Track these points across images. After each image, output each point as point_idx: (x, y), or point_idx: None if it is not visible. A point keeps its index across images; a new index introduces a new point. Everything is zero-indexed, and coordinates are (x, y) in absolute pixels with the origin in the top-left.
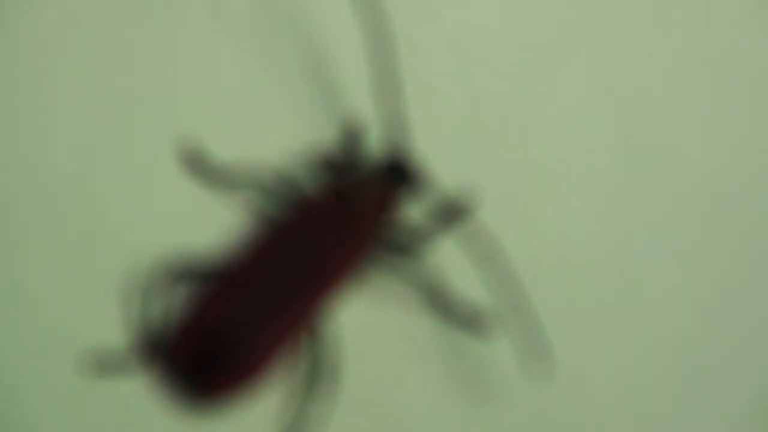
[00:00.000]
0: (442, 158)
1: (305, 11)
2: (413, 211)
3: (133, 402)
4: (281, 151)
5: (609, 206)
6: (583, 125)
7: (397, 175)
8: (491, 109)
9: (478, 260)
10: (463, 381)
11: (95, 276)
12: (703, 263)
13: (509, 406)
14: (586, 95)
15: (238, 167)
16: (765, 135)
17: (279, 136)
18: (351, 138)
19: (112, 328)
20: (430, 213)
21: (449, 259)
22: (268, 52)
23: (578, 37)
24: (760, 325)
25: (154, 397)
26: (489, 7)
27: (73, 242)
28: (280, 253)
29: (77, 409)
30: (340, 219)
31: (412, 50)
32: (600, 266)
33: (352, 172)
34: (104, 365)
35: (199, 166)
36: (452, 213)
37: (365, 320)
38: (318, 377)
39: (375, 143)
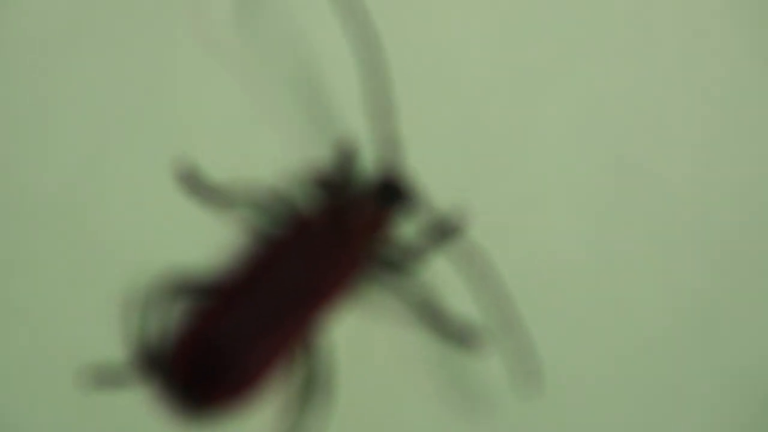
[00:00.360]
0: (434, 177)
1: (298, 33)
2: (406, 229)
3: (132, 414)
4: (275, 171)
5: (600, 224)
6: (574, 144)
7: (390, 193)
8: (483, 129)
9: (470, 277)
10: (454, 396)
11: (93, 292)
12: (693, 282)
13: (500, 420)
14: (576, 115)
15: (234, 186)
16: (753, 153)
17: (273, 156)
18: (344, 157)
19: (110, 342)
20: (422, 231)
21: (442, 276)
22: (261, 74)
23: (569, 58)
24: (751, 341)
25: (153, 410)
26: (481, 28)
27: (70, 259)
28: (275, 270)
29: (77, 422)
30: (333, 237)
31: (403, 71)
32: (590, 283)
33: (345, 191)
34: (103, 379)
35: (196, 184)
36: (444, 231)
37: (358, 335)
38: (312, 391)
39: (368, 162)
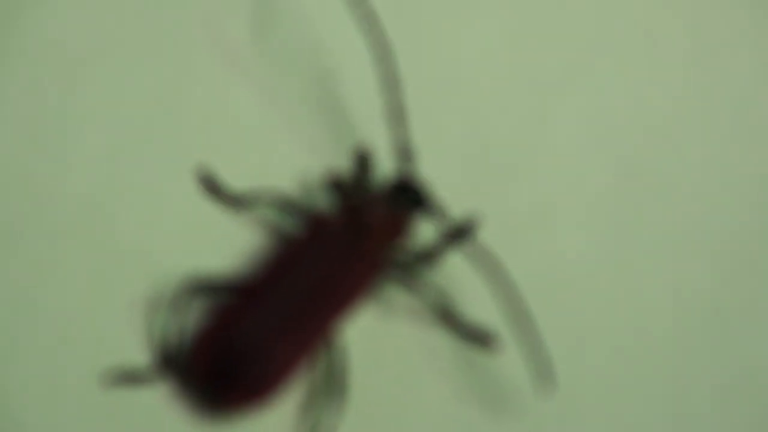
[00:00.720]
0: (447, 185)
1: (314, 43)
2: (422, 233)
3: (154, 413)
4: (294, 178)
5: (608, 230)
6: (584, 151)
7: (405, 196)
8: (494, 138)
9: (483, 278)
10: (468, 395)
11: (116, 295)
12: (700, 284)
13: (514, 419)
14: (586, 123)
15: (253, 191)
16: (761, 162)
17: (291, 164)
18: (361, 163)
19: (133, 343)
20: (436, 235)
21: (456, 277)
22: (278, 84)
23: (579, 67)
24: (757, 341)
25: (174, 408)
26: (492, 39)
27: (94, 264)
28: (294, 271)
29: (101, 421)
30: (352, 238)
31: (417, 81)
32: (599, 287)
33: (362, 194)
34: (125, 378)
35: (216, 189)
36: (457, 235)
37: (375, 335)
38: (328, 390)
39: (384, 170)
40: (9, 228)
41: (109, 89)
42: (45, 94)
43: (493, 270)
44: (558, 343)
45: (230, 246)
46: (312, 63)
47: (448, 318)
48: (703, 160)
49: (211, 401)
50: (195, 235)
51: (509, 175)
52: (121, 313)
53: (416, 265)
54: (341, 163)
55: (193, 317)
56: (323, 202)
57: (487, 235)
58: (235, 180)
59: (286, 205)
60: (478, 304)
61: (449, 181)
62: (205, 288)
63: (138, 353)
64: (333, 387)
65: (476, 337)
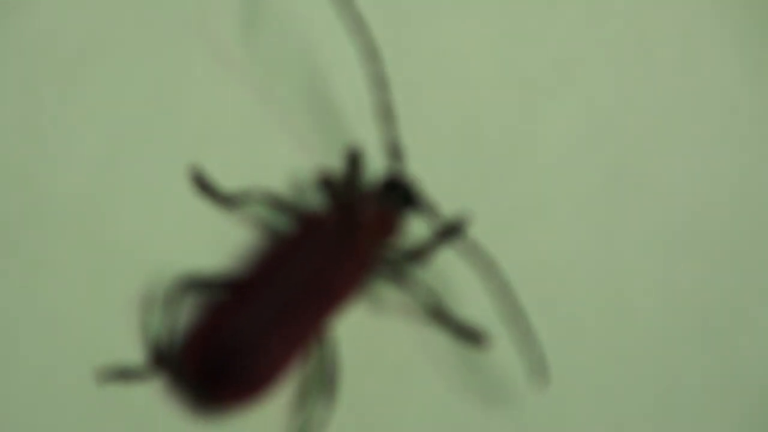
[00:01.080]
0: (437, 185)
1: (304, 45)
2: (413, 231)
3: (148, 408)
4: (285, 178)
5: (599, 229)
6: (574, 151)
7: (396, 194)
8: (484, 138)
9: (477, 275)
10: (460, 390)
11: (109, 291)
12: (690, 284)
13: (506, 414)
14: (577, 123)
15: (245, 189)
16: (750, 162)
17: (283, 163)
18: (352, 162)
19: (127, 340)
20: (428, 232)
21: (448, 274)
22: (268, 85)
23: (570, 67)
24: (744, 342)
25: (167, 404)
26: (483, 39)
27: (89, 262)
28: (286, 268)
29: (95, 416)
30: (343, 235)
31: (407, 80)
32: (590, 286)
33: (353, 193)
34: (119, 375)
35: (207, 187)
36: (448, 232)
37: (365, 330)
38: (320, 386)
39: (375, 168)
40: (4, 226)
41: (103, 90)
42: (40, 94)
43: (485, 266)
44: (547, 340)
45: (223, 244)
46: (303, 63)
47: (439, 315)
48: (693, 160)
49: (203, 397)
50: (188, 233)
51: (499, 174)
52: (115, 310)
53: (407, 263)
54: (332, 161)
55: (186, 314)
56: (314, 200)
57: (477, 232)
58: (227, 179)
59: (277, 204)
60: (471, 300)
61: (440, 180)
62: (198, 285)
63: (132, 350)
64: (324, 383)
65: (467, 334)
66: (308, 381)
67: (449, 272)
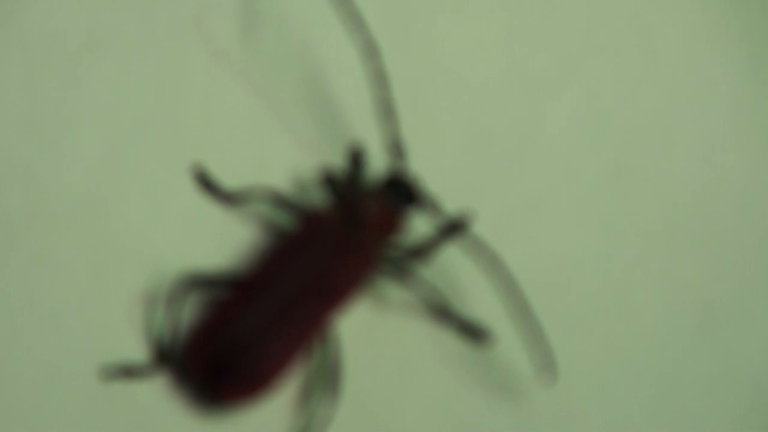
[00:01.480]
0: (440, 181)
1: (303, 42)
2: (415, 227)
3: (150, 406)
4: (287, 176)
5: (601, 225)
6: (577, 147)
7: (398, 191)
8: (486, 134)
9: (482, 271)
10: (463, 387)
11: (112, 289)
12: (692, 279)
13: (510, 410)
14: (579, 118)
15: (247, 187)
16: (752, 156)
17: (284, 161)
18: (355, 160)
19: (130, 337)
20: (430, 229)
21: (452, 271)
22: (269, 83)
23: (572, 63)
24: (747, 336)
25: (170, 402)
26: (485, 36)
27: (91, 259)
28: (289, 266)
29: (97, 414)
30: (346, 233)
31: (409, 78)
32: (592, 281)
33: (356, 191)
34: (123, 372)
35: (210, 185)
36: (451, 230)
37: (368, 327)
38: (323, 383)
39: (377, 167)
40: (7, 223)
41: (105, 87)
42: (43, 90)
43: (489, 262)
44: (551, 335)
45: (226, 242)
46: (305, 60)
47: (443, 313)
48: (695, 154)
49: (207, 395)
50: (191, 231)
51: (502, 169)
52: (119, 308)
53: (410, 260)
54: (334, 159)
55: (189, 312)
56: (317, 198)
57: (479, 229)
58: (230, 177)
59: (280, 202)
60: (474, 297)
61: (442, 176)
62: (201, 283)
63: (135, 347)
64: (327, 380)
65: (470, 331)
66: (311, 378)
67: (453, 269)
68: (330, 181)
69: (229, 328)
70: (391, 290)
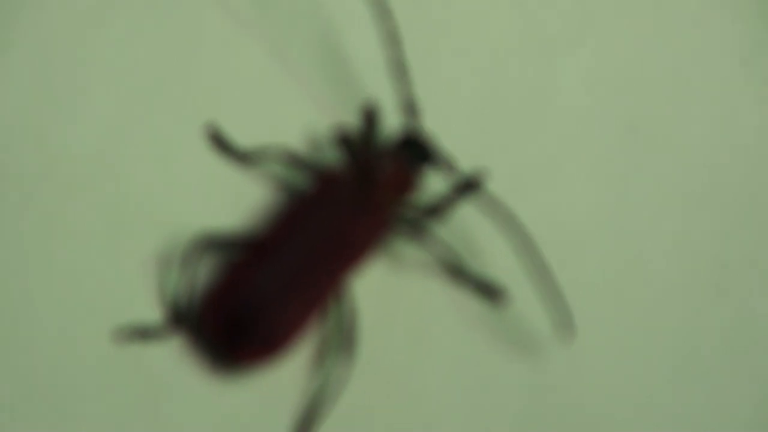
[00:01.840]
0: (454, 140)
1: (320, 3)
2: (429, 186)
3: (165, 368)
4: (302, 135)
5: (613, 184)
6: (589, 107)
7: (413, 149)
8: (500, 95)
9: (497, 229)
10: (479, 346)
11: (126, 251)
12: (704, 235)
13: (526, 369)
14: (591, 79)
15: (262, 147)
16: (762, 116)
17: (299, 120)
18: (369, 119)
19: (144, 299)
20: (444, 188)
21: (468, 230)
22: (285, 42)
23: (584, 23)
24: (761, 295)
25: (185, 363)
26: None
27: (105, 221)
28: (304, 226)
29: (112, 376)
30: (361, 193)
31: (425, 39)
32: (605, 241)
33: (370, 149)
34: (138, 334)
35: (224, 145)
36: (466, 188)
37: (384, 288)
38: (339, 344)
39: (392, 126)
40: (20, 185)
41: (117, 49)
42: (54, 51)
43: (505, 220)
44: (566, 294)
45: (240, 202)
46: (318, 19)
47: (458, 272)
48: (709, 115)
49: (222, 357)
50: (205, 192)
51: (516, 128)
52: (133, 269)
53: (425, 219)
54: (349, 119)
55: (203, 273)
56: (332, 157)
57: (494, 187)
58: (244, 137)
59: (294, 161)
60: (490, 255)
61: (457, 135)
62: (215, 244)
63: (150, 309)
64: (343, 341)
65: (486, 290)
66: (327, 339)
67: (468, 228)
68: (344, 140)
69: (244, 289)
70: (407, 250)
